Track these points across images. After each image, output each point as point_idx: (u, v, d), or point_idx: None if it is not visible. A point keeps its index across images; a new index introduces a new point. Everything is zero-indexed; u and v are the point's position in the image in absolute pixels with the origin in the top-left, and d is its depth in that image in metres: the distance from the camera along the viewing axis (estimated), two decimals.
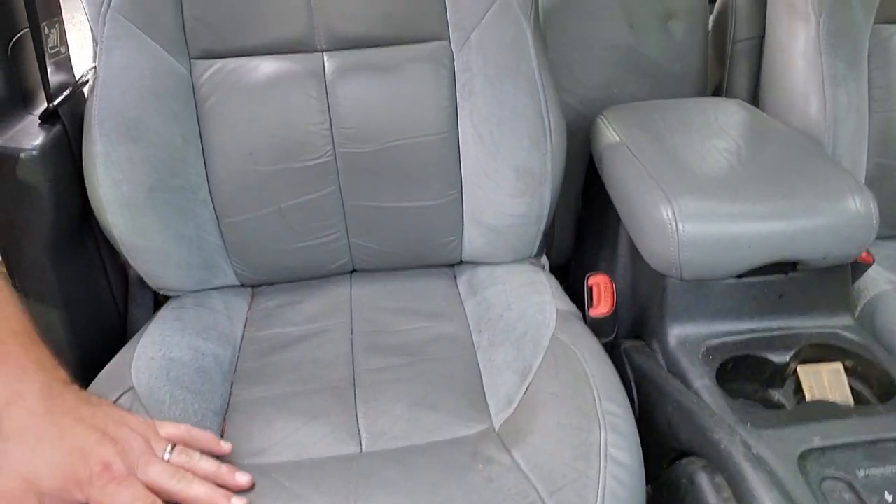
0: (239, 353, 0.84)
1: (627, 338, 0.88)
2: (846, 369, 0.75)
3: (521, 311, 0.83)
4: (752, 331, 0.77)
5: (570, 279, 1.16)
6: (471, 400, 0.74)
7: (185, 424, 0.64)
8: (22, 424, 0.55)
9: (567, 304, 0.84)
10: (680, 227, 0.72)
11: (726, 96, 1.15)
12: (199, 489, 0.58)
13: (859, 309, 0.89)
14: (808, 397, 0.74)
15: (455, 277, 0.97)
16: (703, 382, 0.72)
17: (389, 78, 0.87)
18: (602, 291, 0.82)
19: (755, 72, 1.11)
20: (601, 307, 0.80)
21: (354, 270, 0.97)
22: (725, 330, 0.77)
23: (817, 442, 0.64)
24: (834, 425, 0.65)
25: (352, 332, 0.86)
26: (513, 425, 0.69)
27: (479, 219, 0.91)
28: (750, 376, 0.76)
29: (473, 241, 0.93)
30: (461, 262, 0.97)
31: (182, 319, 0.85)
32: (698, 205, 0.74)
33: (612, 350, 0.86)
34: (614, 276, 0.90)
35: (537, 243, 0.93)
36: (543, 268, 0.96)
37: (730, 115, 0.95)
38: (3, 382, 0.55)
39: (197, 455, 0.61)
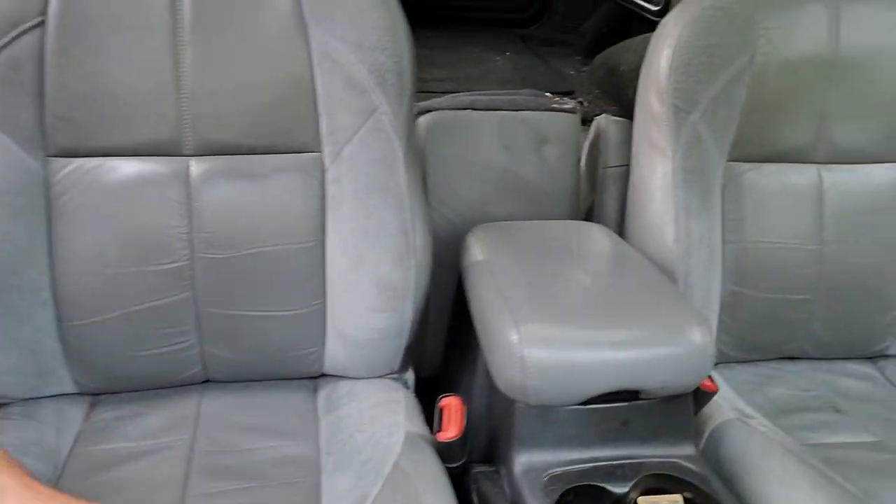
0: (62, 471, 0.77)
1: (481, 461, 0.86)
2: (686, 501, 0.76)
3: (371, 433, 0.80)
4: (595, 459, 0.77)
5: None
6: None
7: None
8: None
9: (419, 427, 0.82)
10: (526, 352, 0.73)
11: (596, 218, 1.20)
12: None
13: (705, 436, 0.91)
14: None
15: (316, 391, 0.94)
16: None
17: (257, 185, 0.86)
18: (451, 415, 0.81)
19: (623, 197, 1.17)
20: (449, 431, 0.79)
21: (208, 381, 0.93)
22: (569, 458, 0.77)
23: None
24: None
25: (192, 451, 0.81)
26: None
27: (341, 331, 0.90)
28: None
29: (335, 353, 0.91)
30: (323, 375, 0.95)
31: (2, 432, 0.78)
32: (544, 331, 0.75)
33: (463, 475, 0.85)
34: (472, 395, 0.90)
35: (399, 358, 0.92)
36: (406, 383, 0.95)
37: (591, 241, 0.99)
38: None
39: None
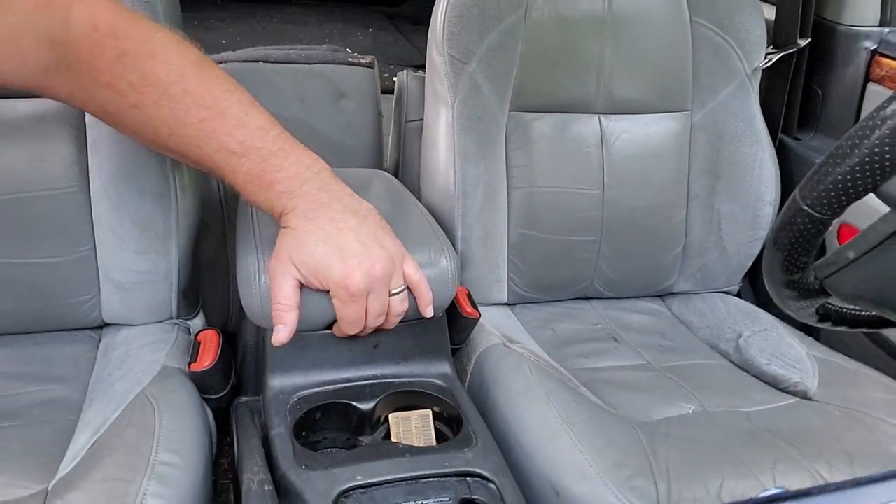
0: None
1: (255, 393, 0.89)
2: (435, 415, 0.81)
3: (128, 369, 0.81)
4: (346, 380, 0.81)
5: None
6: (44, 462, 0.71)
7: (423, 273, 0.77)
8: (297, 223, 0.69)
9: (179, 362, 0.84)
10: (262, 279, 0.75)
11: (402, 172, 1.25)
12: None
13: (474, 360, 0.97)
14: (395, 441, 0.78)
15: (99, 341, 0.94)
16: (277, 431, 0.74)
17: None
18: (206, 346, 0.83)
19: None
20: (201, 361, 0.81)
21: None
22: (320, 380, 0.80)
23: (360, 480, 0.67)
24: (381, 465, 0.69)
25: None
26: (64, 484, 0.66)
27: (110, 276, 0.90)
28: (340, 424, 0.79)
29: (109, 300, 0.91)
30: (106, 325, 0.95)
31: None
32: None
33: (228, 406, 0.87)
34: (244, 331, 0.92)
35: (174, 303, 0.93)
36: (189, 330, 0.96)
37: (367, 186, 1.02)
38: (291, 178, 0.69)
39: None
